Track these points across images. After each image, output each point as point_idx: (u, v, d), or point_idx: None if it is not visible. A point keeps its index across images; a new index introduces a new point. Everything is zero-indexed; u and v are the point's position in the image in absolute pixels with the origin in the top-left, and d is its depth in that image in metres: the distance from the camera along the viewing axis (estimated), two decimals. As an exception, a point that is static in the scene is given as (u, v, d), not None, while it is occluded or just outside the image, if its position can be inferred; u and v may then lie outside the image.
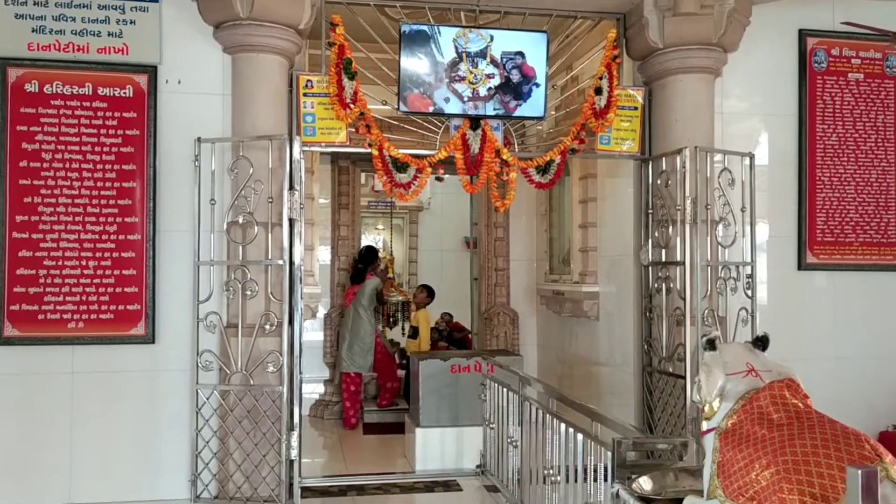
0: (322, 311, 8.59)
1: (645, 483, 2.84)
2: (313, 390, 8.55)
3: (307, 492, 5.27)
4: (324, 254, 8.53)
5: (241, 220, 5.02)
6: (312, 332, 8.51)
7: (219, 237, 5.06)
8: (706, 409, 2.31)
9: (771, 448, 1.97)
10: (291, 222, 5.11)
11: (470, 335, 9.28)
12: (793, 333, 5.91)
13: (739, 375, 2.29)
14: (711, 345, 2.36)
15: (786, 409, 2.10)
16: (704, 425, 2.33)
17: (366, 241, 11.34)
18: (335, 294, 8.57)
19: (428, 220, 13.10)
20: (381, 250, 12.40)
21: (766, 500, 1.91)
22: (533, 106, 5.52)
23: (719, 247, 5.47)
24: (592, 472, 3.62)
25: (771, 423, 2.06)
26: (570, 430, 3.94)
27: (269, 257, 5.00)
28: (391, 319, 10.43)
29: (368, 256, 7.91)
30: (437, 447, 5.98)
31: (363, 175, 9.52)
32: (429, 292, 8.87)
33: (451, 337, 9.59)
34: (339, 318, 8.15)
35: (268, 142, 4.98)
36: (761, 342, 2.44)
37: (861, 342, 6.05)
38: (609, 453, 3.18)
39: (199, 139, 4.95)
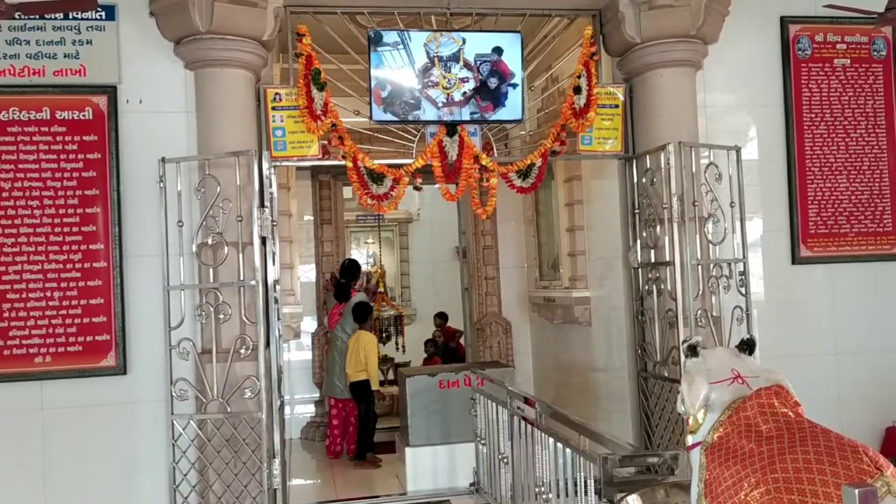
0: (311, 329, 8.38)
1: (634, 501, 2.64)
2: (305, 411, 8.33)
3: (294, 520, 5.07)
4: (307, 272, 8.32)
5: (210, 241, 4.82)
6: (300, 352, 8.31)
7: (189, 260, 4.86)
8: (691, 421, 2.12)
9: (760, 464, 1.77)
10: (264, 241, 4.92)
11: (460, 334, 9.01)
12: (790, 330, 5.74)
13: (725, 383, 2.09)
14: (693, 351, 2.16)
15: (775, 420, 1.90)
16: (689, 439, 2.13)
17: (356, 255, 11.18)
18: (322, 312, 8.35)
19: (418, 232, 12.91)
20: (373, 264, 12.21)
21: (757, 524, 1.72)
22: (510, 109, 5.35)
23: (709, 244, 5.29)
24: (583, 489, 3.43)
25: (759, 436, 1.87)
26: (560, 445, 3.76)
27: (242, 278, 4.80)
28: (384, 334, 10.25)
29: (351, 270, 7.63)
30: (428, 466, 5.78)
31: (348, 189, 9.32)
32: (356, 313, 7.29)
33: (446, 348, 9.39)
34: (325, 337, 7.89)
35: (235, 158, 4.79)
36: (748, 346, 2.24)
37: (861, 336, 5.85)
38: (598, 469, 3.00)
39: (163, 159, 4.75)
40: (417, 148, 5.37)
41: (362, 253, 12.60)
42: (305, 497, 5.79)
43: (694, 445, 2.09)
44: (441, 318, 10.07)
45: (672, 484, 2.71)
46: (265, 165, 5.00)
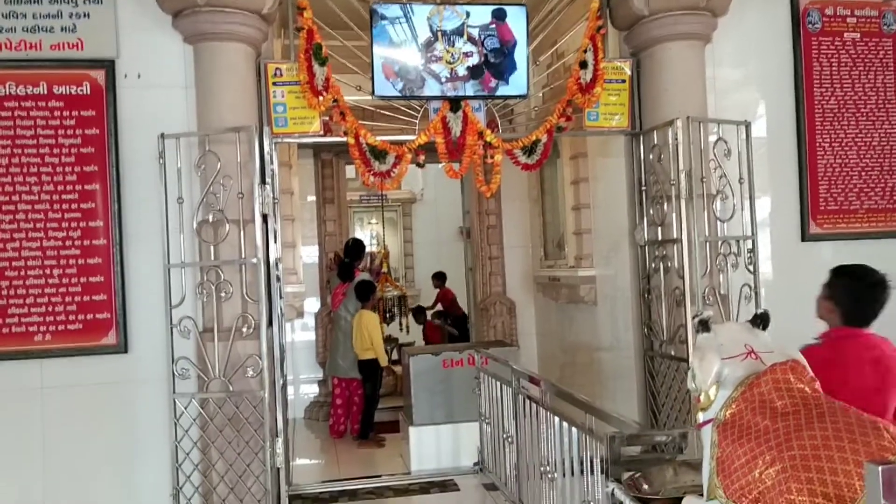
0: (314, 310, 8.33)
1: (642, 480, 2.58)
2: (308, 391, 8.30)
3: (297, 499, 5.05)
4: (310, 251, 8.25)
5: (211, 219, 4.76)
6: (304, 332, 8.27)
7: (189, 237, 4.80)
8: (702, 398, 2.05)
9: (775, 442, 1.71)
10: (265, 218, 4.85)
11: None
12: (799, 309, 5.52)
13: (737, 359, 2.02)
14: (704, 326, 2.08)
15: (791, 396, 1.83)
16: (700, 416, 2.06)
17: (359, 236, 11.10)
18: (325, 292, 8.30)
19: (422, 212, 12.85)
20: (377, 244, 12.15)
21: (773, 503, 1.65)
22: (515, 84, 5.26)
23: (717, 221, 5.21)
24: (589, 468, 3.38)
25: (774, 413, 1.80)
26: (565, 424, 3.70)
27: (243, 256, 4.75)
28: (388, 315, 10.19)
29: (355, 250, 7.55)
30: (432, 446, 5.74)
31: (352, 169, 9.23)
32: (358, 292, 7.22)
33: (455, 323, 9.42)
34: (328, 317, 7.82)
35: (235, 134, 4.71)
36: (761, 320, 2.16)
37: (872, 314, 5.76)
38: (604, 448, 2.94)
39: (162, 135, 4.68)
40: (420, 125, 5.29)
41: (366, 233, 12.54)
42: (309, 476, 5.76)
43: (705, 423, 2.02)
44: (438, 278, 10.03)
45: (681, 462, 2.65)
46: (266, 142, 4.93)
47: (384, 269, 10.61)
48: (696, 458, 2.80)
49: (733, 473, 1.79)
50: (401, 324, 10.35)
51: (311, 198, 8.46)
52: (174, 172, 4.69)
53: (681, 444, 2.76)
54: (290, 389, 6.91)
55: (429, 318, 10.31)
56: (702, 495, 2.10)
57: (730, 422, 1.89)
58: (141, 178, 4.86)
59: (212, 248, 4.77)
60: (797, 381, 1.87)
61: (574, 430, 3.57)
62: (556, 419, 3.81)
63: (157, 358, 4.80)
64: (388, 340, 9.91)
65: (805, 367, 1.93)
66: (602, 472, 3.13)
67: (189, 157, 4.79)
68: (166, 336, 4.72)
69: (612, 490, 2.66)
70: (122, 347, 4.83)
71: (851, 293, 3.01)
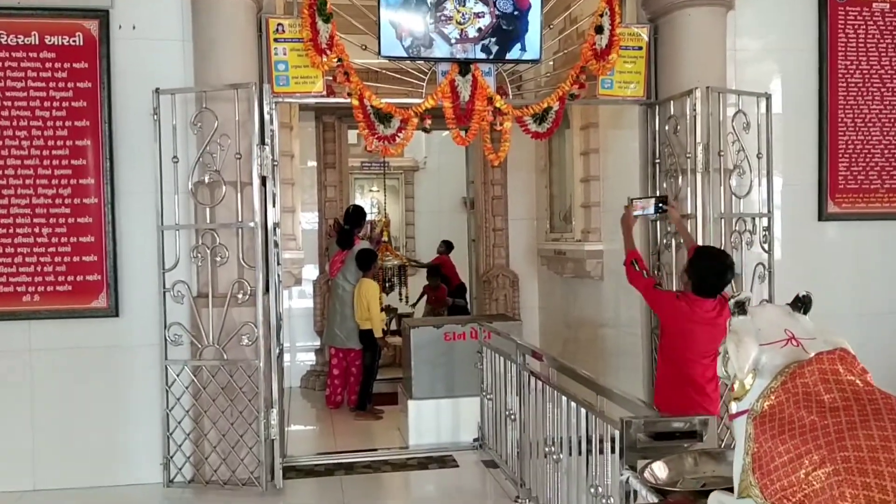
0: (313, 277, 8.15)
1: (659, 469, 2.41)
2: (305, 360, 8.14)
3: (291, 471, 4.90)
4: (309, 217, 8.05)
5: (207, 179, 4.58)
6: (302, 300, 8.10)
7: (184, 198, 4.63)
8: (736, 386, 1.87)
9: (825, 440, 1.53)
10: (264, 181, 4.65)
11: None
12: (813, 289, 5.40)
13: (777, 345, 1.83)
14: (741, 308, 1.90)
15: (840, 389, 1.65)
16: (734, 406, 1.88)
17: (360, 203, 10.89)
18: (324, 259, 8.11)
19: (424, 180, 12.63)
20: (377, 212, 11.95)
21: (821, 508, 1.49)
22: (528, 48, 5.03)
23: (733, 197, 5.03)
24: (597, 451, 3.23)
25: (822, 407, 1.62)
26: (573, 403, 3.54)
27: (240, 219, 4.57)
28: (388, 284, 10.02)
29: (355, 216, 7.32)
30: (431, 420, 5.57)
31: (354, 134, 9.01)
32: (360, 261, 6.96)
33: (455, 302, 9.23)
34: (327, 285, 7.63)
35: (234, 91, 4.51)
36: (802, 304, 1.98)
37: (887, 297, 5.60)
38: (616, 432, 2.78)
39: (157, 90, 4.49)
40: (427, 88, 5.07)
41: (366, 201, 12.33)
42: (304, 447, 5.61)
43: (739, 413, 1.85)
44: (446, 246, 9.83)
45: (701, 451, 2.48)
46: (266, 100, 4.73)
47: (385, 238, 10.41)
48: (716, 447, 2.64)
49: (773, 472, 1.61)
50: (400, 294, 10.19)
51: (312, 162, 8.23)
52: (169, 130, 4.52)
53: (701, 431, 2.60)
54: (287, 357, 6.74)
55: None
56: (728, 490, 1.94)
57: (768, 414, 1.71)
58: (134, 135, 4.67)
59: (207, 210, 4.60)
60: (847, 372, 1.69)
61: (583, 410, 3.41)
62: (564, 398, 3.65)
63: (149, 323, 4.65)
64: (388, 311, 9.74)
65: (854, 357, 1.75)
66: (612, 453, 2.98)
67: (185, 114, 4.60)
68: (159, 300, 4.58)
69: (627, 479, 2.50)
70: (113, 311, 4.67)
71: (703, 271, 3.77)
